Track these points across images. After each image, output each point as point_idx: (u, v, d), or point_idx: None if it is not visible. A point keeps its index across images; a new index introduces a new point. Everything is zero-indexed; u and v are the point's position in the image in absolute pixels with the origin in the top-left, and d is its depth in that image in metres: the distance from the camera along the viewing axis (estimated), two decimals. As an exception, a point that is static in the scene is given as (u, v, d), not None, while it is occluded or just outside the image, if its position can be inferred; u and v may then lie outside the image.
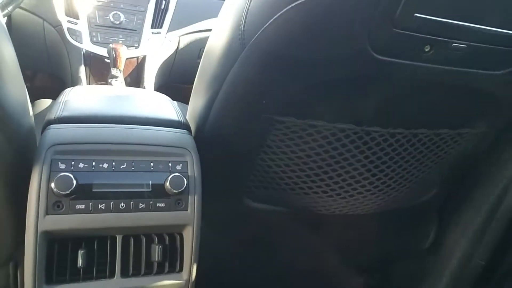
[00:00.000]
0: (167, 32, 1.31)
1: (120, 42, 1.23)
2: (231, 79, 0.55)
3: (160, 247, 0.52)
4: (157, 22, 1.28)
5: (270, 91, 0.54)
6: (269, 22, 0.47)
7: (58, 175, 0.46)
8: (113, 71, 1.15)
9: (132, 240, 0.52)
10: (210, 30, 1.40)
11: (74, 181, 0.46)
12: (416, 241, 0.90)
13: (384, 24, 0.44)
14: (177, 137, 0.56)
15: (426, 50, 0.48)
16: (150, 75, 1.29)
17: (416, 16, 0.44)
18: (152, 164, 0.52)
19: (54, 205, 0.47)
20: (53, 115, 0.55)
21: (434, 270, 0.92)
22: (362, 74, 0.51)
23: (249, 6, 0.50)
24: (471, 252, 0.83)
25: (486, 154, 0.76)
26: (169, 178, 0.51)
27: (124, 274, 0.51)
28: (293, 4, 0.44)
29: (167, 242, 0.53)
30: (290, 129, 0.58)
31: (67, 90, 0.71)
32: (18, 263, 0.60)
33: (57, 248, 0.49)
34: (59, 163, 0.48)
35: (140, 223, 0.50)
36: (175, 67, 1.42)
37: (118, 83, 1.15)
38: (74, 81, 1.24)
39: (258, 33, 0.49)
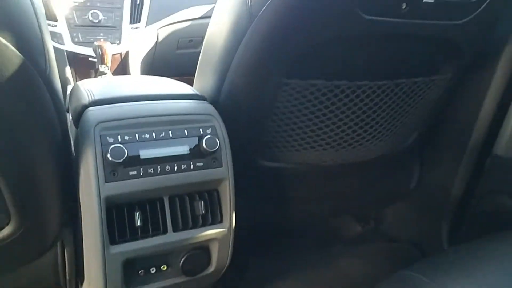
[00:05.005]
0: (146, 26, 1.35)
1: (102, 40, 1.26)
2: (242, 51, 0.62)
3: (202, 202, 0.60)
4: (135, 17, 1.32)
5: (277, 56, 0.62)
6: None
7: (112, 146, 0.52)
8: (101, 68, 1.18)
9: (177, 200, 0.59)
10: (186, 20, 1.46)
11: (126, 151, 0.53)
12: (403, 182, 1.02)
13: None
14: (201, 106, 0.63)
15: (403, 7, 0.59)
16: (135, 70, 1.33)
17: (396, -18, 0.54)
18: (186, 131, 0.59)
19: (111, 173, 0.53)
20: (85, 100, 0.60)
21: (419, 208, 1.04)
22: (352, 34, 0.61)
23: (253, -18, 0.57)
24: (449, 185, 0.96)
25: (455, 98, 0.89)
26: (204, 140, 0.58)
27: (175, 229, 0.59)
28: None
29: (207, 197, 0.61)
30: (295, 90, 0.67)
31: (78, 83, 0.75)
32: (65, 243, 0.65)
33: (115, 213, 0.55)
34: (107, 137, 0.54)
35: (184, 181, 0.58)
36: (156, 60, 1.46)
37: (108, 79, 1.19)
38: (62, 83, 1.25)
39: (265, 5, 0.57)
